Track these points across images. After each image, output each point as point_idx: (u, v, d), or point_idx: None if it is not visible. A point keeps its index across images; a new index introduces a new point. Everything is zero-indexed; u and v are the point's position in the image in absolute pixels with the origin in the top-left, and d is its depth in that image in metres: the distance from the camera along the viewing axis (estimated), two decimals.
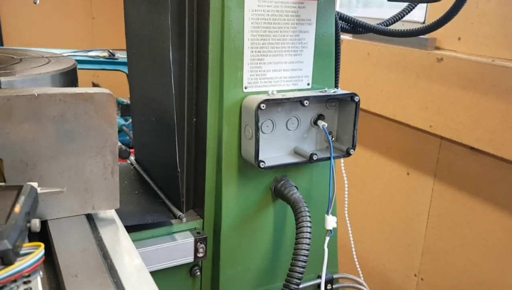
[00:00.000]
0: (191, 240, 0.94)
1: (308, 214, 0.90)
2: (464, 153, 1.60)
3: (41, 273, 0.49)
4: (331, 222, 0.92)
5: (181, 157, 0.96)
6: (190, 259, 0.95)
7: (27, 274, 0.48)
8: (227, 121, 0.92)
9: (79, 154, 0.63)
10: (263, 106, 0.86)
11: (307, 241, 0.88)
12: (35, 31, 3.58)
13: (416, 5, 1.18)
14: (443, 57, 1.59)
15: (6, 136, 0.59)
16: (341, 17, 1.10)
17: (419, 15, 1.79)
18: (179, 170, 0.91)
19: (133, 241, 0.64)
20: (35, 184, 0.56)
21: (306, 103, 0.90)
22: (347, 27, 1.13)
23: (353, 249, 1.21)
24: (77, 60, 0.97)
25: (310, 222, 0.89)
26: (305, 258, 0.87)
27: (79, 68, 0.97)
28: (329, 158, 0.94)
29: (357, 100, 0.93)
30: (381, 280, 2.02)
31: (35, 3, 1.04)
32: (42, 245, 0.49)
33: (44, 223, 0.63)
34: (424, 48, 1.66)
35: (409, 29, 1.15)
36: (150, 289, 0.52)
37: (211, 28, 0.87)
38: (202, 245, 0.95)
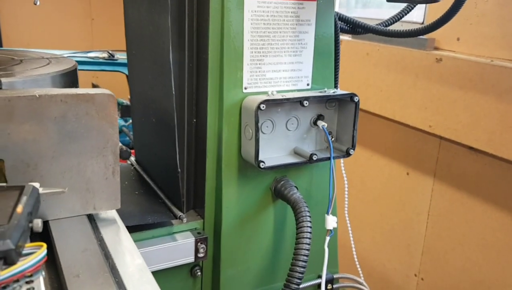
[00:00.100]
0: (191, 240, 0.94)
1: (308, 214, 0.90)
2: (463, 152, 1.60)
3: (43, 273, 0.50)
4: (331, 222, 0.92)
5: (181, 157, 0.96)
6: (190, 259, 0.95)
7: (29, 274, 0.48)
8: (227, 121, 0.92)
9: (80, 154, 0.64)
10: (263, 106, 0.86)
11: (308, 241, 0.88)
12: (35, 32, 3.58)
13: (415, 6, 1.18)
14: (442, 58, 1.59)
15: (8, 137, 0.59)
16: (340, 18, 1.10)
17: (418, 15, 1.80)
18: (179, 170, 0.91)
19: (134, 241, 0.64)
20: (37, 184, 0.56)
21: (306, 103, 0.90)
22: (346, 27, 1.13)
23: (353, 249, 1.21)
24: (76, 61, 0.98)
25: (310, 222, 0.90)
26: (305, 258, 0.88)
27: (78, 69, 0.97)
28: (329, 158, 0.94)
29: (356, 100, 0.94)
30: (381, 280, 2.02)
31: (36, 4, 1.04)
32: (45, 245, 0.49)
33: (45, 223, 0.63)
34: (423, 48, 1.67)
35: (408, 30, 1.15)
36: (152, 289, 0.52)
37: (211, 29, 0.87)
38: (203, 245, 0.95)
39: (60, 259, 0.54)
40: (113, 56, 2.23)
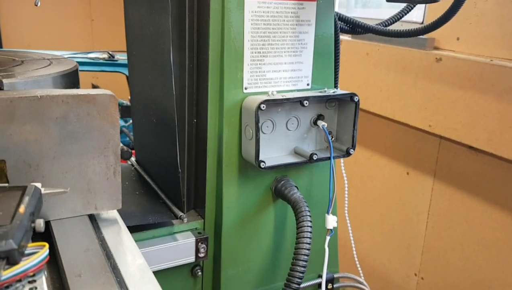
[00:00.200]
0: (192, 240, 0.94)
1: (308, 213, 0.90)
2: (463, 152, 1.61)
3: (45, 272, 0.50)
4: (331, 221, 0.92)
5: (182, 157, 0.97)
6: (191, 259, 0.95)
7: (32, 273, 0.48)
8: (227, 122, 0.92)
9: (81, 155, 0.64)
10: (263, 106, 0.86)
11: (308, 240, 0.88)
12: (35, 33, 3.58)
13: (414, 6, 1.18)
14: (442, 57, 1.59)
15: (9, 138, 0.59)
16: (340, 18, 1.11)
17: (417, 15, 1.80)
18: (180, 170, 0.92)
19: (135, 241, 0.64)
20: (39, 185, 0.56)
21: (306, 103, 0.91)
22: (346, 27, 1.14)
23: (354, 249, 1.21)
24: (77, 62, 0.98)
25: (310, 221, 0.90)
26: (306, 257, 0.88)
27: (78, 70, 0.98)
28: (329, 158, 0.94)
29: (356, 100, 0.94)
30: (381, 279, 2.02)
31: (36, 5, 1.04)
32: (47, 245, 0.50)
33: (47, 224, 0.63)
34: (423, 48, 1.67)
35: (408, 30, 1.16)
36: (153, 289, 0.52)
37: (211, 29, 0.87)
38: (203, 245, 0.95)
39: (62, 259, 0.54)
40: (113, 57, 2.24)
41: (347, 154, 0.97)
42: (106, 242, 0.61)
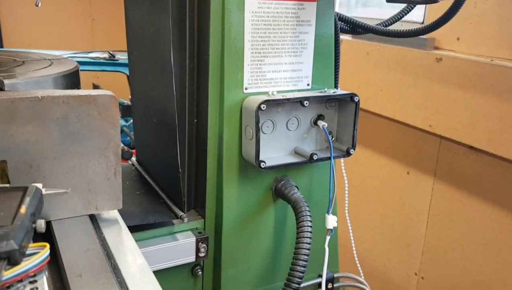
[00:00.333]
0: (192, 240, 0.94)
1: (308, 213, 0.91)
2: (463, 152, 1.61)
3: (46, 272, 0.50)
4: (331, 221, 0.92)
5: (182, 157, 0.97)
6: (191, 258, 0.95)
7: (33, 274, 0.49)
8: (227, 122, 0.92)
9: (82, 155, 0.64)
10: (264, 107, 0.87)
11: (308, 240, 0.89)
12: (35, 33, 3.58)
13: (414, 6, 1.18)
14: (442, 57, 1.59)
15: (10, 138, 0.60)
16: (341, 18, 1.11)
17: (418, 15, 1.80)
18: (180, 170, 0.92)
19: (135, 241, 0.64)
20: (40, 185, 0.56)
21: (306, 103, 0.91)
22: (346, 27, 1.14)
23: (354, 248, 1.22)
24: (77, 62, 0.98)
25: (310, 221, 0.90)
26: (306, 257, 0.88)
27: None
28: (329, 158, 0.94)
29: (356, 100, 0.94)
30: (381, 279, 2.02)
31: (37, 5, 1.04)
32: (48, 245, 0.50)
33: (48, 224, 0.63)
34: (423, 48, 1.67)
35: (408, 30, 1.16)
36: (153, 289, 0.52)
37: (211, 29, 0.88)
38: (204, 245, 0.95)
39: (63, 259, 0.55)
40: (114, 57, 2.24)
41: (347, 154, 0.97)
42: (107, 242, 0.61)
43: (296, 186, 0.97)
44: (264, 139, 0.94)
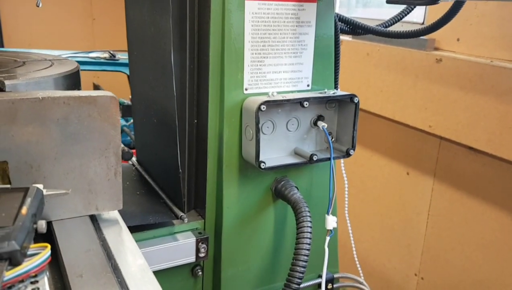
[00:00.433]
0: (192, 240, 0.95)
1: (308, 214, 0.91)
2: (463, 152, 1.61)
3: (47, 273, 0.50)
4: (331, 222, 0.93)
5: (183, 157, 0.97)
6: (191, 259, 0.96)
7: (34, 274, 0.49)
8: (228, 122, 0.93)
9: (82, 156, 0.64)
10: (264, 107, 0.87)
11: (308, 241, 0.89)
12: (36, 32, 3.58)
13: (415, 7, 1.19)
14: (442, 58, 1.60)
15: (11, 139, 0.60)
16: (341, 19, 1.11)
17: (418, 16, 1.80)
18: (180, 170, 0.92)
19: (135, 241, 0.65)
20: (40, 186, 0.56)
21: (306, 104, 0.91)
22: (346, 28, 1.14)
23: (354, 249, 1.22)
24: (78, 62, 0.98)
25: (310, 222, 0.90)
26: (305, 257, 0.88)
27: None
28: (329, 159, 0.94)
29: (356, 101, 0.94)
30: (381, 279, 2.03)
31: (38, 6, 1.04)
32: (49, 245, 0.50)
33: (48, 224, 0.63)
34: (423, 49, 1.67)
35: (408, 31, 1.16)
36: (153, 289, 0.53)
37: (211, 30, 0.88)
38: (204, 245, 0.96)
39: (64, 259, 0.55)
40: (114, 56, 2.24)
41: (347, 154, 0.97)
42: (107, 242, 0.61)
43: (296, 187, 0.97)
44: (264, 140, 0.94)
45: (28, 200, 0.51)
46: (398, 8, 1.18)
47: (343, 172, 1.13)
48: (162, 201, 1.02)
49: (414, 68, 1.70)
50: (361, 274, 1.19)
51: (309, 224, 0.90)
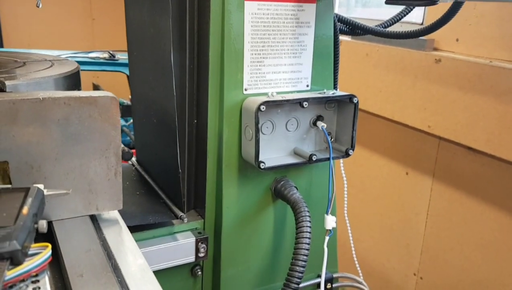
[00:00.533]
0: (192, 240, 0.95)
1: (308, 214, 0.91)
2: (462, 153, 1.61)
3: (48, 272, 0.51)
4: (330, 222, 0.93)
5: (182, 157, 0.97)
6: (191, 259, 0.96)
7: (35, 273, 0.49)
8: (227, 122, 0.93)
9: (83, 156, 0.64)
10: (263, 107, 0.87)
11: (307, 240, 0.89)
12: (35, 33, 3.59)
13: (414, 7, 1.19)
14: (441, 58, 1.60)
15: (12, 139, 0.60)
16: (340, 19, 1.11)
17: (417, 16, 1.80)
18: (180, 170, 0.92)
19: (135, 241, 0.65)
20: (41, 186, 0.57)
21: (305, 104, 0.91)
22: (345, 29, 1.14)
23: (353, 249, 1.22)
24: (77, 62, 0.98)
25: (310, 222, 0.91)
26: (305, 257, 0.89)
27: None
28: (328, 159, 0.95)
29: (355, 101, 0.95)
30: (380, 279, 2.03)
31: (38, 6, 1.05)
32: (49, 245, 0.50)
33: (49, 224, 0.64)
34: (423, 49, 1.68)
35: (408, 31, 1.16)
36: (153, 289, 0.53)
37: (211, 31, 0.88)
38: (203, 245, 0.96)
39: (64, 259, 0.55)
40: (114, 57, 2.24)
41: (346, 154, 0.98)
42: (107, 242, 0.61)
43: (295, 187, 0.97)
44: (264, 140, 0.94)
45: (29, 200, 0.52)
46: (397, 8, 1.19)
47: (343, 172, 1.13)
48: (162, 201, 1.02)
49: (413, 68, 1.70)
50: (360, 274, 1.19)
51: (309, 224, 0.90)
